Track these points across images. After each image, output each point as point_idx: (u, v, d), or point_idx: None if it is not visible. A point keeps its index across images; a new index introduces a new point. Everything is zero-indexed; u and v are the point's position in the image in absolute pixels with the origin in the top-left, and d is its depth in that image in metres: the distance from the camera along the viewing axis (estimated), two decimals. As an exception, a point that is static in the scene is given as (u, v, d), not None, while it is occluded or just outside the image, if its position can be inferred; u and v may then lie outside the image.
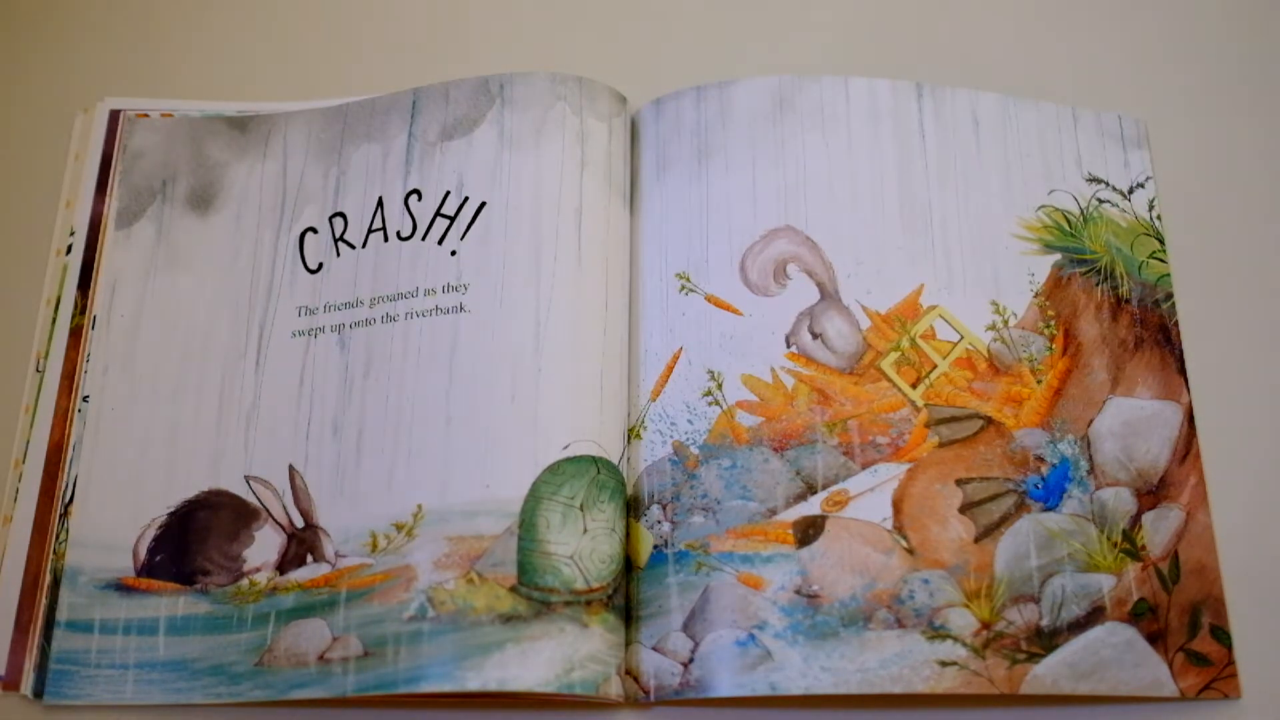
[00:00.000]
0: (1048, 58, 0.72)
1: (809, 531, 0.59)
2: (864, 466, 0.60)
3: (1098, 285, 0.64)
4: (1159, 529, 0.59)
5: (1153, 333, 0.64)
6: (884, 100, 0.68)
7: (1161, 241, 0.66)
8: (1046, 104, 0.69)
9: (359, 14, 0.76)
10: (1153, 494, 0.60)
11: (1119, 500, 0.60)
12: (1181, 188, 0.68)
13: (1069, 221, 0.66)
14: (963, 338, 0.63)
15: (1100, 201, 0.66)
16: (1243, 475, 0.61)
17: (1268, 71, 0.71)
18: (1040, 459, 0.61)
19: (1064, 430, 0.61)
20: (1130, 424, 0.61)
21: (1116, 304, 0.64)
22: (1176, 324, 0.64)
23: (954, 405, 0.62)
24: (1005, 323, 0.64)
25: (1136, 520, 0.59)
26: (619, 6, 0.75)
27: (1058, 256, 0.65)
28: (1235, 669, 0.57)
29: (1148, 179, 0.67)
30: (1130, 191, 0.67)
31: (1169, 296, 0.65)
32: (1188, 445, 0.61)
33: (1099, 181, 0.67)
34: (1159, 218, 0.67)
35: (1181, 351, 0.63)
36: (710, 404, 0.62)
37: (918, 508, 0.59)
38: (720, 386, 0.62)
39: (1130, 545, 0.59)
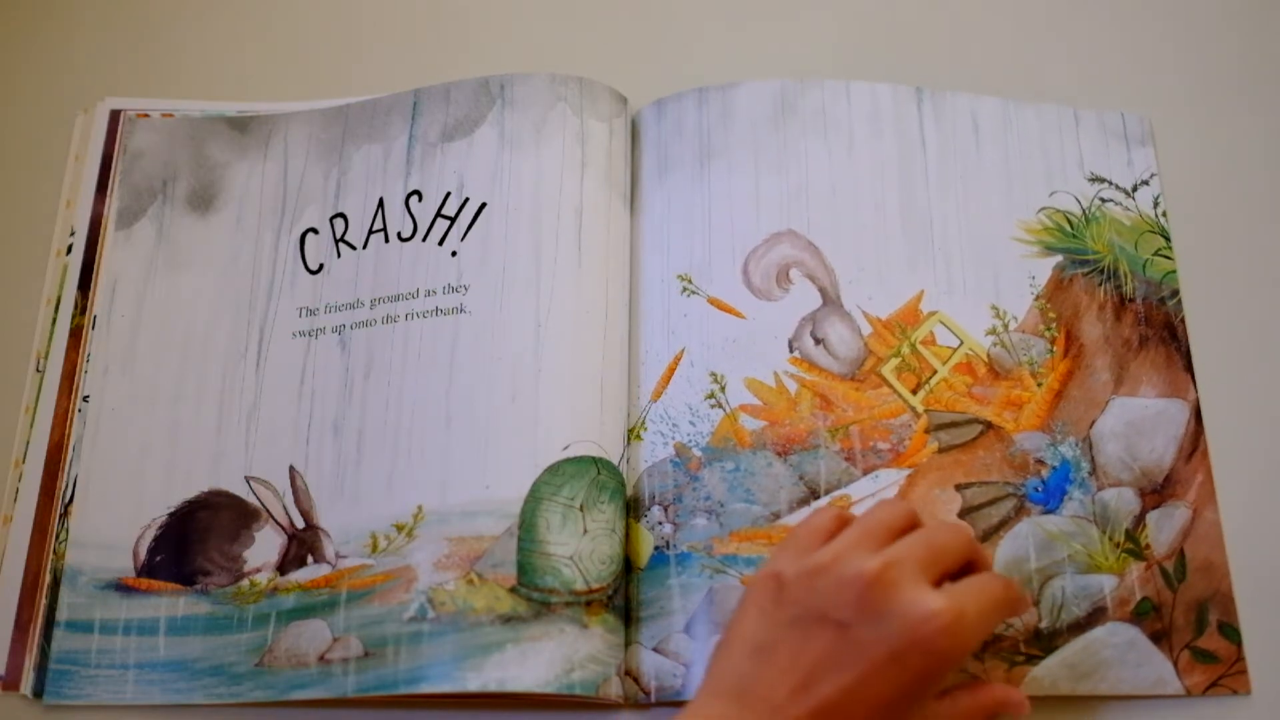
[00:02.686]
0: (1049, 59, 0.72)
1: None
2: (865, 472, 0.60)
3: (1100, 285, 0.64)
4: (1164, 528, 0.59)
5: (1158, 330, 0.63)
6: (885, 105, 0.68)
7: (1167, 238, 0.66)
8: (1047, 105, 0.69)
9: (359, 14, 0.76)
10: (1157, 493, 0.60)
11: (1121, 500, 0.60)
12: (1187, 184, 0.68)
13: (1070, 222, 0.66)
14: (962, 343, 0.63)
15: (1103, 201, 0.66)
16: (1251, 471, 0.61)
17: (1273, 65, 0.71)
18: (1041, 462, 0.61)
19: (1065, 432, 0.61)
20: (1134, 424, 0.61)
21: (1120, 303, 0.64)
22: (1183, 320, 0.64)
23: (953, 411, 0.62)
24: (1005, 326, 0.64)
25: (1140, 520, 0.59)
26: (619, 7, 0.75)
27: (1059, 258, 0.65)
28: (1245, 665, 0.57)
29: (1152, 176, 0.67)
30: (1134, 189, 0.67)
31: (1175, 293, 0.64)
32: (1194, 443, 0.61)
33: (1101, 181, 0.67)
34: (1164, 214, 0.66)
35: (1188, 348, 0.63)
36: (713, 406, 0.62)
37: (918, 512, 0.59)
38: (723, 389, 0.62)
39: (1134, 545, 0.59)
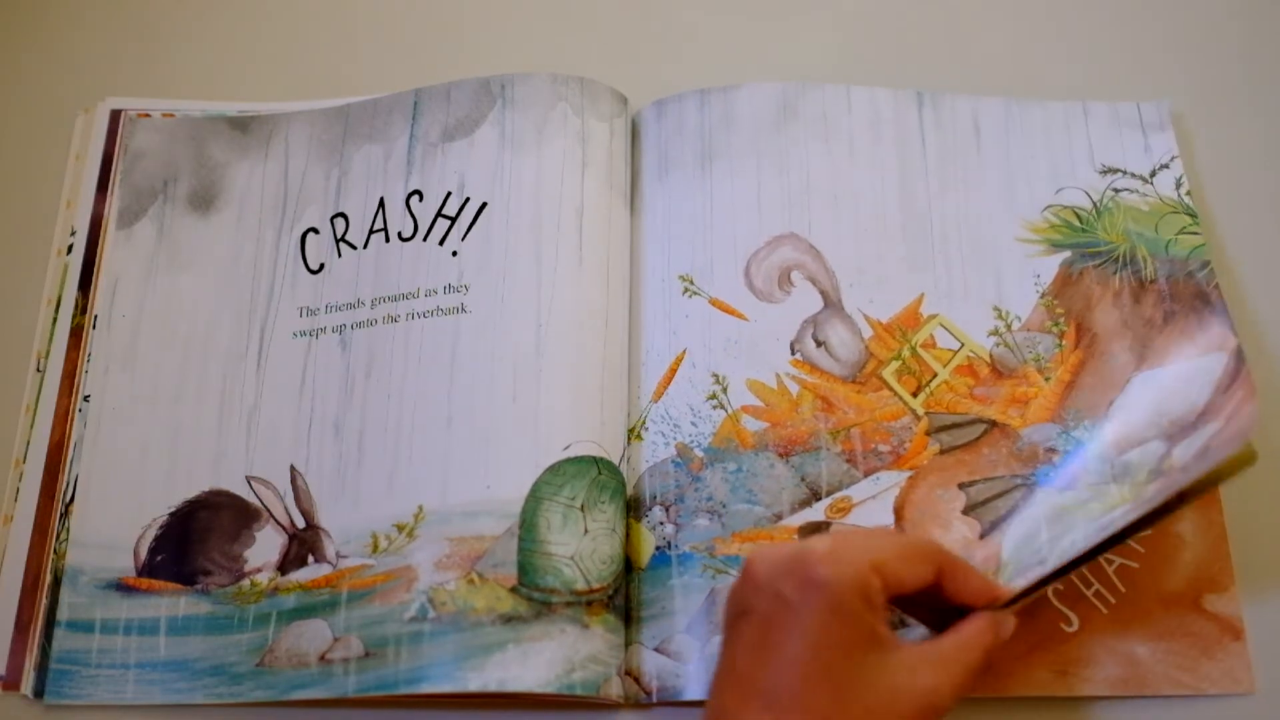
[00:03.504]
0: (1056, 56, 0.72)
1: (814, 537, 0.59)
2: (866, 474, 0.60)
3: (1115, 274, 0.64)
4: (1192, 446, 0.54)
5: (1186, 303, 0.62)
6: (885, 109, 0.68)
7: (1193, 215, 0.65)
8: (1053, 102, 0.69)
9: (360, 14, 0.76)
10: (1189, 427, 0.55)
11: (1146, 452, 0.57)
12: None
13: (1080, 217, 0.66)
14: (963, 345, 0.63)
15: (1116, 191, 0.66)
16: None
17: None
18: (1052, 450, 0.60)
19: (1079, 418, 0.61)
20: (1163, 389, 0.59)
21: (1139, 287, 0.64)
22: (1216, 287, 0.62)
23: (955, 412, 0.62)
24: (1008, 327, 0.64)
25: (1166, 455, 0.56)
26: (620, 7, 0.75)
27: (1067, 254, 0.65)
28: (1249, 662, 0.56)
29: (1173, 159, 0.67)
30: (1153, 174, 0.66)
31: (1205, 264, 0.63)
32: (1235, 374, 0.56)
33: (1115, 171, 0.67)
34: (1188, 194, 0.66)
35: (1225, 308, 0.61)
36: (715, 407, 0.62)
37: (919, 513, 0.59)
38: (725, 390, 0.62)
39: (1155, 472, 0.56)
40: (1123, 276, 0.64)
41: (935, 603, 0.51)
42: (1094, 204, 0.66)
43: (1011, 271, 0.65)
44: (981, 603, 0.50)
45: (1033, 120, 0.68)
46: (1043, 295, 0.64)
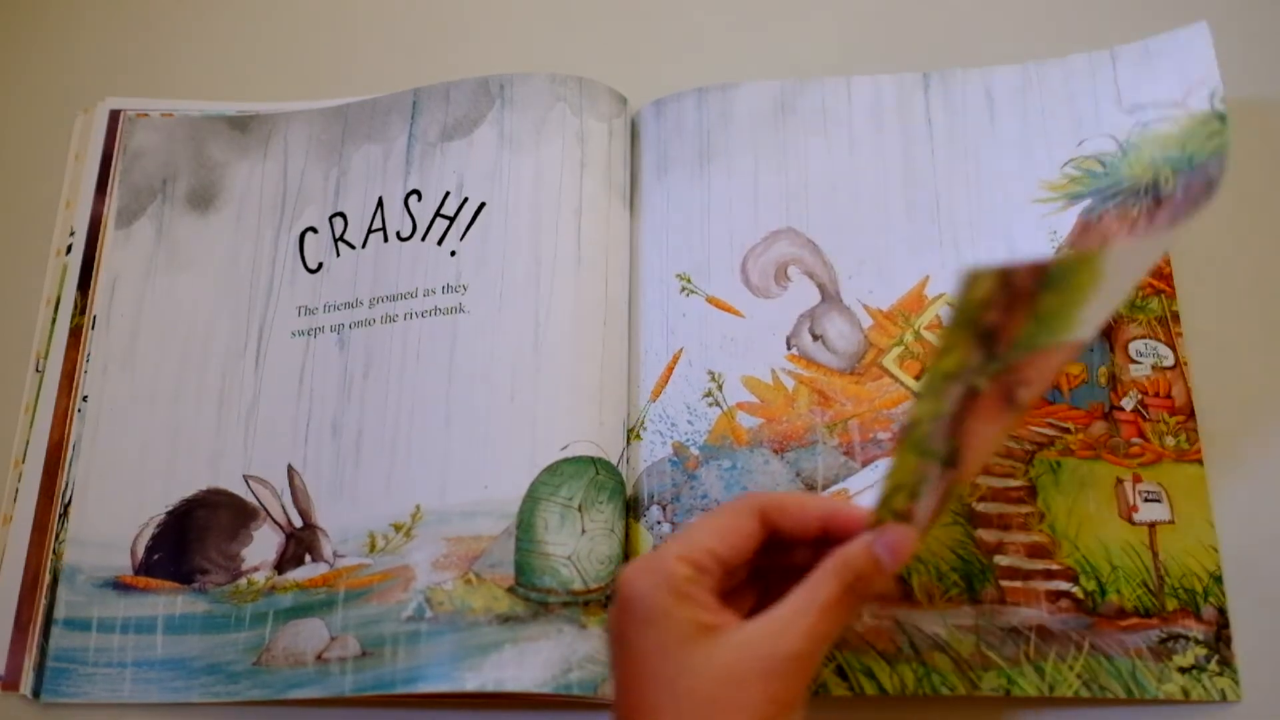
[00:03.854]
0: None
1: None
2: (865, 464, 0.60)
3: (1135, 205, 0.61)
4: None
5: (1194, 201, 0.58)
6: (888, 95, 0.67)
7: (1222, 120, 0.61)
8: (1076, 56, 0.66)
9: (359, 14, 0.76)
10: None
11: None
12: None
13: (1103, 163, 0.64)
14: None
15: (1145, 125, 0.63)
16: (1244, 474, 0.60)
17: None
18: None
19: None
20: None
21: (1155, 205, 0.60)
22: (1221, 171, 0.57)
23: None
24: None
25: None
26: (619, 7, 0.75)
27: (1086, 202, 0.63)
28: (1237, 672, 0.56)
29: (1209, 72, 0.62)
30: (1187, 95, 0.62)
31: (1221, 160, 0.59)
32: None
33: (1144, 106, 0.63)
34: (1222, 100, 0.61)
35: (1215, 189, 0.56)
36: (710, 405, 0.62)
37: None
38: (721, 388, 0.62)
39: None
40: (1143, 204, 0.61)
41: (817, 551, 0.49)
42: (1119, 145, 0.63)
43: (1026, 234, 0.63)
44: (842, 523, 0.48)
45: (1052, 79, 0.66)
46: (1058, 249, 0.62)
